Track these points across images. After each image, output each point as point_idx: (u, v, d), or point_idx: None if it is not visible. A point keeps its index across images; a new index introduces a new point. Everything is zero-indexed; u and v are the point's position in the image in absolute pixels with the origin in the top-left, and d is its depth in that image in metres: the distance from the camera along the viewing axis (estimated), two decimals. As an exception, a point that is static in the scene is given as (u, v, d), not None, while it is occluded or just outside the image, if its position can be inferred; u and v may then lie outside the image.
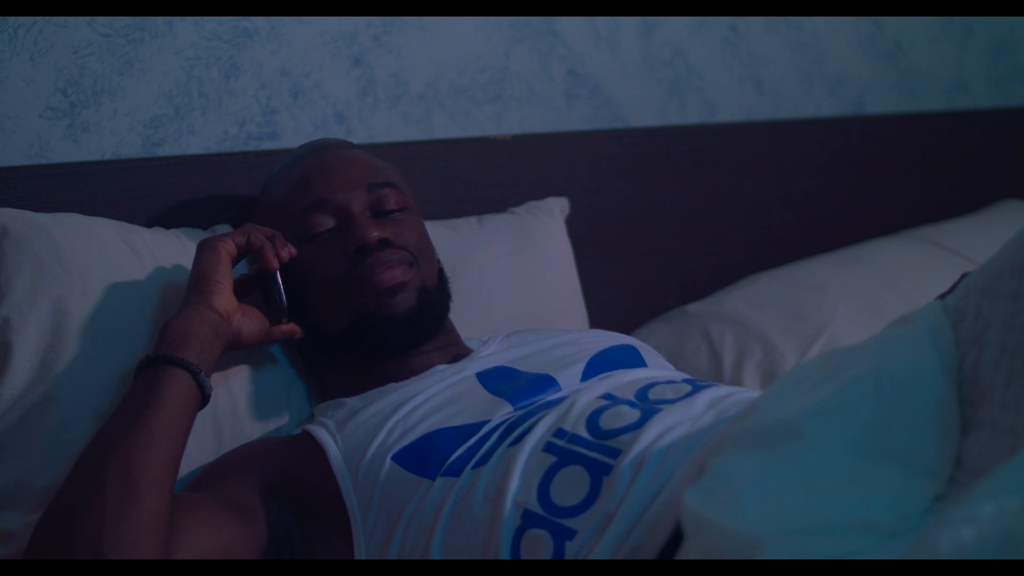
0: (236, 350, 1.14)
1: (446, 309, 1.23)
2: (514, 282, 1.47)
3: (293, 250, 1.15)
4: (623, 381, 1.07)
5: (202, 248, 1.12)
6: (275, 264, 1.14)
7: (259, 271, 1.17)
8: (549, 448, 0.97)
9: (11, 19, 1.25)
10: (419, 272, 1.18)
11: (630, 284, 1.74)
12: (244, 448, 1.14)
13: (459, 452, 1.01)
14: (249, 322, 1.12)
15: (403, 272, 1.16)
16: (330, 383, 1.23)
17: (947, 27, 2.25)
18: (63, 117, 1.30)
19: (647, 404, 1.01)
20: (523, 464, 0.97)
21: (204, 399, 1.03)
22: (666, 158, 1.81)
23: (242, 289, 1.16)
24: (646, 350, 1.22)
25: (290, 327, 1.17)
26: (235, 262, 1.13)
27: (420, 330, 1.18)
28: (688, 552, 0.77)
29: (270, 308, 1.16)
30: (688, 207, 1.83)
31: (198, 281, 1.10)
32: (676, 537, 0.83)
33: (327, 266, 1.16)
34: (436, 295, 1.21)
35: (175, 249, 1.24)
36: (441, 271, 1.25)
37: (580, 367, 1.12)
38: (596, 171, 1.72)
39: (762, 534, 0.71)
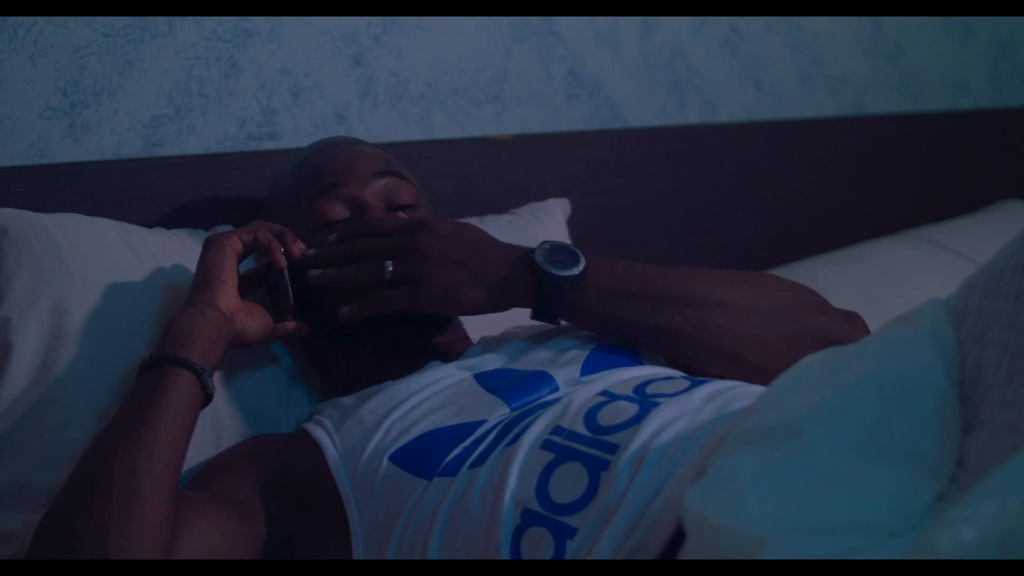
0: (239, 348, 1.14)
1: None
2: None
3: (303, 246, 1.15)
4: (621, 378, 1.07)
5: (208, 245, 1.12)
6: (283, 262, 1.13)
7: (266, 267, 1.17)
8: (547, 445, 0.97)
9: (11, 19, 1.25)
10: None
11: (630, 284, 1.74)
12: (243, 445, 1.14)
13: (455, 452, 1.01)
14: (253, 321, 1.12)
15: None
16: (336, 377, 1.23)
17: (947, 27, 2.25)
18: (63, 117, 1.30)
19: (645, 398, 1.01)
20: (521, 462, 0.97)
21: (207, 399, 1.03)
22: (666, 158, 1.81)
23: (247, 285, 1.16)
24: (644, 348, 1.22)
25: (294, 325, 1.16)
26: (241, 259, 1.13)
27: (432, 327, 1.19)
28: (690, 552, 0.77)
29: (276, 305, 1.16)
30: (688, 207, 1.83)
31: (203, 280, 1.10)
32: (678, 537, 0.83)
33: None
34: None
35: (175, 249, 1.24)
36: None
37: (578, 364, 1.12)
38: (596, 171, 1.72)
39: (764, 534, 0.71)
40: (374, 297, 1.13)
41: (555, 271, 1.11)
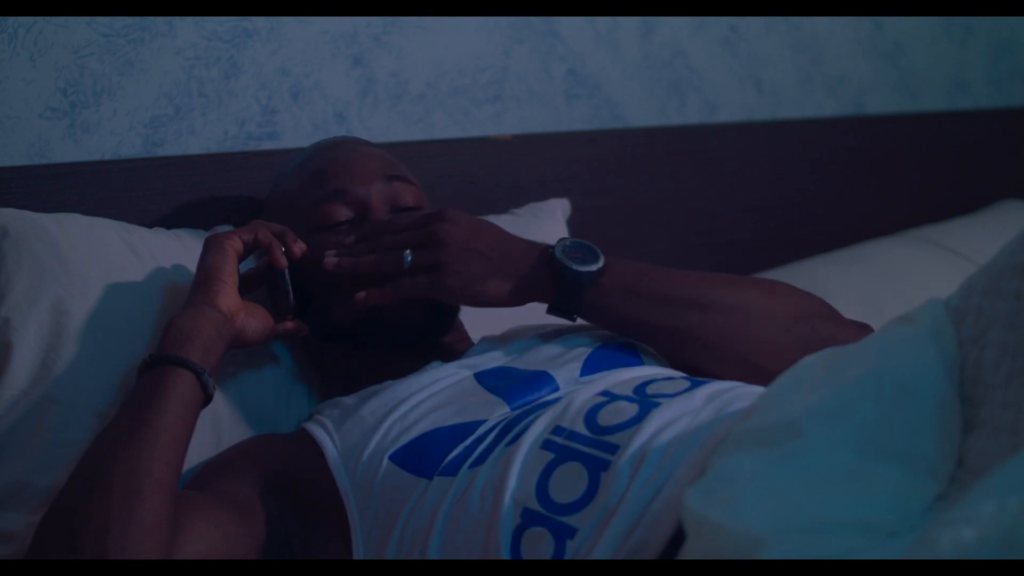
0: (239, 348, 1.14)
1: (458, 309, 1.24)
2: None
3: (304, 246, 1.15)
4: (621, 379, 1.07)
5: (208, 245, 1.12)
6: (283, 262, 1.13)
7: (267, 267, 1.17)
8: (547, 445, 0.97)
9: (11, 19, 1.25)
10: None
11: (630, 284, 1.74)
12: (243, 445, 1.14)
13: (455, 452, 1.01)
14: (253, 321, 1.12)
15: None
16: (336, 377, 1.23)
17: (947, 27, 2.25)
18: (63, 117, 1.30)
19: (645, 398, 1.01)
20: (521, 462, 0.97)
21: (207, 399, 1.03)
22: (666, 158, 1.82)
23: (248, 284, 1.16)
24: (644, 348, 1.22)
25: (294, 325, 1.16)
26: (241, 259, 1.13)
27: (434, 330, 1.19)
28: (690, 552, 0.77)
29: (276, 305, 1.16)
30: (688, 207, 1.83)
31: (203, 280, 1.10)
32: (678, 537, 0.83)
33: None
34: None
35: (175, 249, 1.24)
36: None
37: (578, 364, 1.12)
38: (596, 171, 1.72)
39: (764, 534, 0.71)
40: (392, 284, 1.13)
41: (575, 266, 1.11)
